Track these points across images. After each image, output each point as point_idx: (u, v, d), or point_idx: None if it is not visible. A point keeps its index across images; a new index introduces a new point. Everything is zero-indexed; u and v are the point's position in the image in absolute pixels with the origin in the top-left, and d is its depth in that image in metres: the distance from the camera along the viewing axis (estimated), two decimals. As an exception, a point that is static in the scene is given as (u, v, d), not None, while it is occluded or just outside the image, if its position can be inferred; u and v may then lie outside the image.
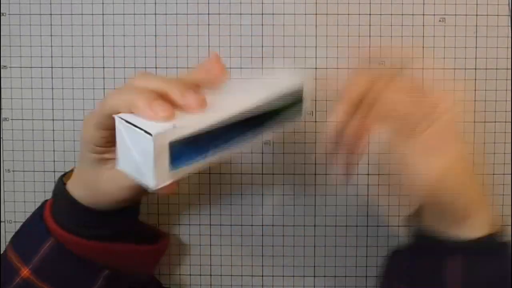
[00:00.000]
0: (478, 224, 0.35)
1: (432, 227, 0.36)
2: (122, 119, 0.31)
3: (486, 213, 0.36)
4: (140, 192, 0.36)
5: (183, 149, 0.32)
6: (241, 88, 0.36)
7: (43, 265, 0.38)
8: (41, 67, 0.47)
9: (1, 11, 0.47)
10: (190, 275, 0.49)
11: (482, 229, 0.35)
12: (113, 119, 0.32)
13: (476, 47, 0.46)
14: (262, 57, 0.46)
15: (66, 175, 0.41)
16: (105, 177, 0.36)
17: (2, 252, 0.40)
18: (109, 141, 0.35)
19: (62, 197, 0.39)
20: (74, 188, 0.39)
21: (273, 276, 0.49)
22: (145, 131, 0.30)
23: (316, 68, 0.46)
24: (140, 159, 0.31)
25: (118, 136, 0.32)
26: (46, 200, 0.41)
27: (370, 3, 0.46)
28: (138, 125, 0.30)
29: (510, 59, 0.46)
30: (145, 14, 0.47)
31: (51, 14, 0.47)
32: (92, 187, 0.37)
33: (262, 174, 0.47)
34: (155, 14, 0.47)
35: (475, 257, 0.35)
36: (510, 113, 0.46)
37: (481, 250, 0.35)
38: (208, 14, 0.47)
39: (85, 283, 0.39)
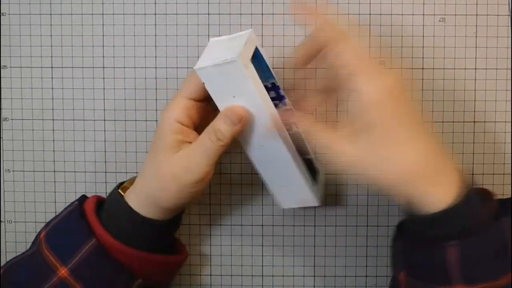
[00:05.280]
0: (444, 191, 0.34)
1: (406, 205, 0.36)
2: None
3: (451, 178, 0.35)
4: (201, 190, 0.39)
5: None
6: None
7: (81, 265, 0.38)
8: (41, 67, 0.47)
9: (1, 11, 0.47)
10: (190, 275, 0.49)
11: (449, 194, 0.34)
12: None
13: (476, 47, 0.46)
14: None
15: (122, 187, 0.41)
16: (180, 167, 0.37)
17: (2, 252, 0.40)
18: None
19: (118, 206, 0.39)
20: (135, 199, 0.39)
21: (273, 276, 0.49)
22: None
23: (316, 68, 0.46)
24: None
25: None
26: (82, 199, 0.41)
27: (370, 3, 0.46)
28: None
29: (510, 59, 0.46)
30: (145, 14, 0.47)
31: (51, 14, 0.47)
32: (157, 193, 0.38)
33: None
34: (155, 14, 0.47)
35: (468, 237, 0.34)
36: (510, 113, 0.46)
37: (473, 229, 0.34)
38: (208, 14, 0.47)
39: None
